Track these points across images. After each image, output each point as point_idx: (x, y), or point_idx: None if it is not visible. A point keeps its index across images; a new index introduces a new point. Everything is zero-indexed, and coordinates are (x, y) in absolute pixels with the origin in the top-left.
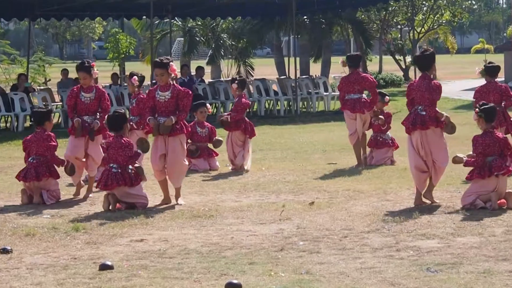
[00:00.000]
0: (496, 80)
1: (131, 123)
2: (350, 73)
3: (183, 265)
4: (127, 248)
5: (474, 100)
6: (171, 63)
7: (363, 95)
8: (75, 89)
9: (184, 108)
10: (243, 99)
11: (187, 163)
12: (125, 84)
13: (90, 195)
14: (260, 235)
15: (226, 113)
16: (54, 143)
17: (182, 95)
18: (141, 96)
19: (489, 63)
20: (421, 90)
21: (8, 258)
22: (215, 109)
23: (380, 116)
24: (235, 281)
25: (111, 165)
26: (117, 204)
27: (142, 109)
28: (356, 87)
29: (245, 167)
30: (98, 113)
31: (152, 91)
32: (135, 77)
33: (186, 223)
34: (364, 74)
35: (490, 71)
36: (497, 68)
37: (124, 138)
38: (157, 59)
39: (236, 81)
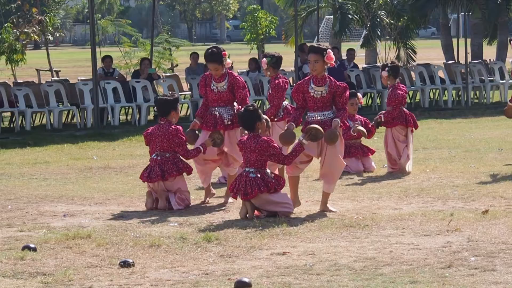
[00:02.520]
0: None
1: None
2: None
3: (332, 283)
4: (267, 263)
5: None
6: (329, 49)
7: None
8: (206, 76)
9: (343, 106)
10: (399, 91)
11: (345, 164)
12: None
13: (230, 200)
14: (423, 249)
15: (382, 112)
16: (184, 137)
17: (340, 91)
18: (277, 81)
19: None
20: None
21: (130, 273)
22: (369, 100)
23: None
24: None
25: (248, 169)
26: (256, 211)
27: (279, 97)
28: None
29: (406, 169)
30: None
31: (304, 84)
32: (264, 59)
33: (336, 234)
34: None
35: None
36: None
37: (261, 138)
38: (314, 44)
39: (387, 68)
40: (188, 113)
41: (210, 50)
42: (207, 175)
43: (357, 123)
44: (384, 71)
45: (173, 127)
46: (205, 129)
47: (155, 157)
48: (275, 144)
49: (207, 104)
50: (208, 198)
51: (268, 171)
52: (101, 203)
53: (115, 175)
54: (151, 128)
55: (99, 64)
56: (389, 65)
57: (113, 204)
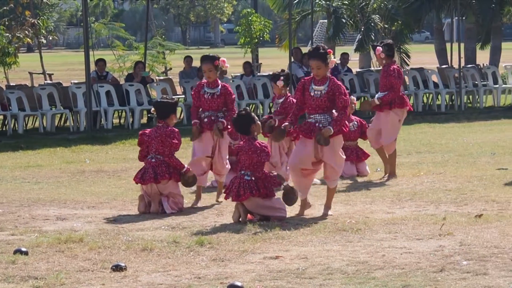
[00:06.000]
0: None
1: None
2: None
3: (325, 287)
4: (260, 267)
5: None
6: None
7: None
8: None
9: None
10: (291, 98)
11: (344, 157)
12: (258, 74)
13: (223, 201)
14: (416, 253)
15: (266, 116)
16: (176, 141)
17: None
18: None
19: None
20: None
21: (122, 277)
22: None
23: None
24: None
25: (243, 172)
26: (249, 215)
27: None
28: None
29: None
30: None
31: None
32: (281, 82)
33: (329, 237)
34: None
35: None
36: None
37: (258, 142)
38: (315, 47)
39: (282, 77)
40: (181, 117)
41: (316, 46)
42: (307, 187)
43: (353, 123)
44: (280, 81)
45: (170, 128)
46: (303, 135)
47: (150, 159)
48: (268, 150)
49: (300, 111)
50: (304, 211)
51: (265, 173)
52: (93, 206)
53: (108, 178)
54: (149, 130)
55: (93, 67)
56: (281, 74)
57: (105, 208)
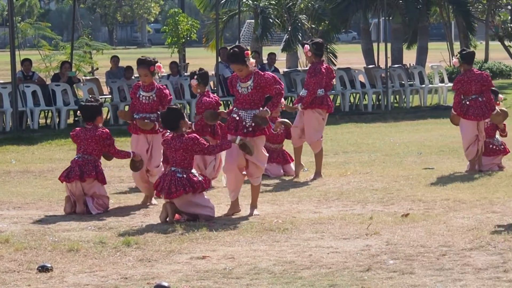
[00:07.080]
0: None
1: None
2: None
3: (252, 287)
4: (187, 267)
5: (455, 91)
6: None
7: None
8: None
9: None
10: (205, 98)
11: (267, 155)
12: (185, 74)
13: (154, 202)
14: (343, 253)
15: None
16: (113, 140)
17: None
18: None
19: (463, 50)
20: None
21: (48, 277)
22: (290, 104)
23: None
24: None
25: (174, 168)
26: (176, 215)
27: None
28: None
29: (219, 181)
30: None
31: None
32: (194, 81)
33: (256, 237)
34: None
35: (466, 58)
36: (473, 54)
37: (186, 136)
38: (232, 50)
39: (196, 76)
40: (108, 117)
41: (231, 51)
42: (239, 187)
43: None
44: (193, 80)
45: (102, 130)
46: (227, 132)
47: (77, 158)
48: (201, 140)
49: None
50: (232, 213)
51: (194, 171)
52: (19, 207)
53: (34, 179)
54: (78, 129)
55: (19, 67)
56: (197, 72)
57: (31, 209)
